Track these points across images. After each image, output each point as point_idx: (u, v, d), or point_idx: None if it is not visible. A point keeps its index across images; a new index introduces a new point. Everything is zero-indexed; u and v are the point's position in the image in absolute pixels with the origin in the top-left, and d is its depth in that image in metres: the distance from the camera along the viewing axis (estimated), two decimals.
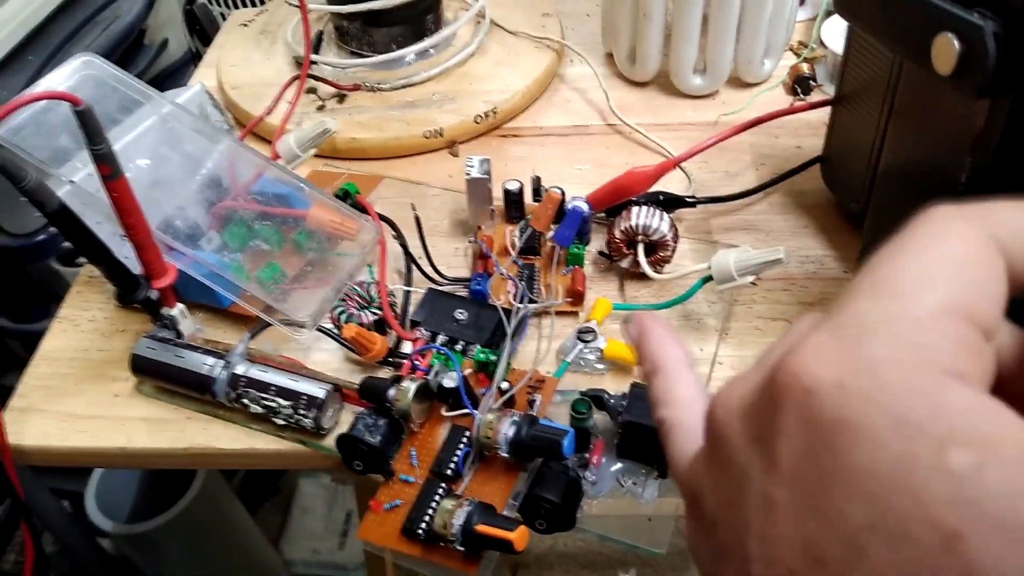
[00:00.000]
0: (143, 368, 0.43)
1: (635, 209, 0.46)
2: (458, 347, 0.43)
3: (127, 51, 0.90)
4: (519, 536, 0.33)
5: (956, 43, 0.30)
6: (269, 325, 0.44)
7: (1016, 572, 0.12)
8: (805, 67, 0.61)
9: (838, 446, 0.15)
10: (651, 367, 0.25)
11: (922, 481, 0.13)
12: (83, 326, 0.49)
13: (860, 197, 0.47)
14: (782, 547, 0.15)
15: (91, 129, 0.36)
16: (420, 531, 0.35)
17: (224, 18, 1.03)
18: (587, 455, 0.38)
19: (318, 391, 0.40)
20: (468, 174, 0.48)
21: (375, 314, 0.45)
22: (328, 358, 0.45)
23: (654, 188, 0.50)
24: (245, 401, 0.41)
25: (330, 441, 0.40)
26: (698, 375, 0.24)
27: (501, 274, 0.46)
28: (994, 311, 0.16)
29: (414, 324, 0.44)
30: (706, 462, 0.19)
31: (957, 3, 0.31)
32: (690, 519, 0.20)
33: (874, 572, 0.14)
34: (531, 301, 0.45)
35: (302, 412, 0.40)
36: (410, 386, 0.38)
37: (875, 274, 0.16)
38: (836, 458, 0.15)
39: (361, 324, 0.44)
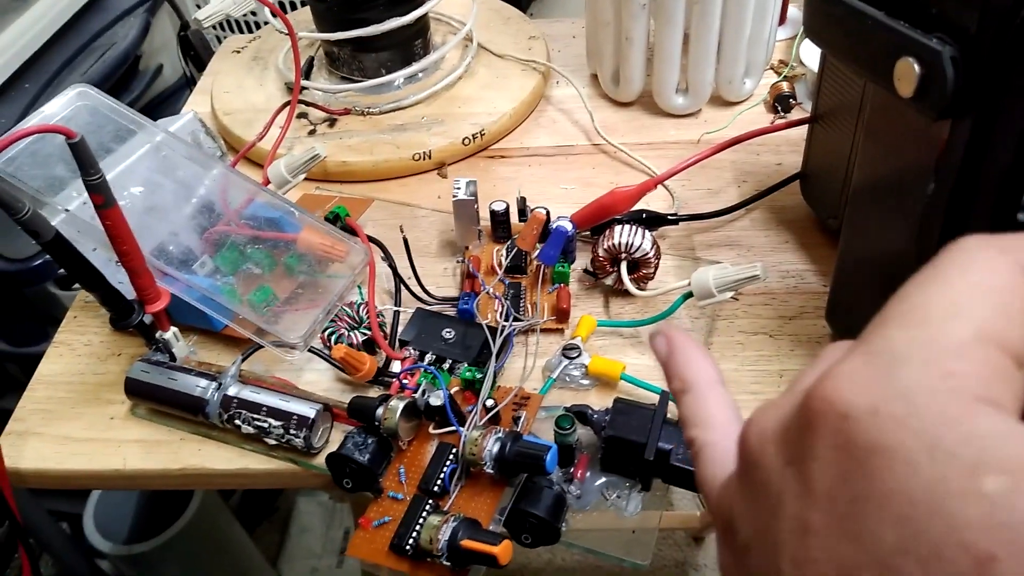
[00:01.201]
0: (138, 391, 0.44)
1: (618, 228, 0.48)
2: (445, 366, 0.44)
3: (123, 77, 0.91)
4: (503, 550, 0.34)
5: (916, 67, 0.32)
6: (261, 347, 0.45)
7: None
8: (785, 86, 0.63)
9: (872, 470, 0.15)
10: (681, 385, 0.24)
11: (955, 505, 0.14)
12: (79, 350, 0.50)
13: (837, 213, 0.48)
14: (816, 569, 0.16)
15: (85, 160, 0.37)
16: (408, 547, 0.36)
17: (218, 42, 1.04)
18: (571, 469, 0.39)
19: (308, 411, 0.41)
20: (455, 195, 0.50)
21: (364, 334, 0.46)
22: (319, 378, 0.46)
23: (637, 206, 0.51)
24: (237, 422, 0.42)
25: (321, 460, 0.41)
26: (730, 395, 0.24)
27: (488, 293, 0.47)
28: None
29: (403, 344, 0.45)
30: (739, 487, 0.19)
31: (917, 29, 0.32)
32: (723, 545, 0.20)
33: None
34: (517, 319, 0.46)
35: (293, 432, 0.41)
36: (398, 405, 0.39)
37: (906, 303, 0.17)
38: (870, 482, 0.15)
39: (351, 344, 0.45)
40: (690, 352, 0.25)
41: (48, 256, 0.77)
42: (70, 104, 0.45)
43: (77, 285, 0.54)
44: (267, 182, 0.53)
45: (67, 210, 0.43)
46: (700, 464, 0.23)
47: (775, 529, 0.17)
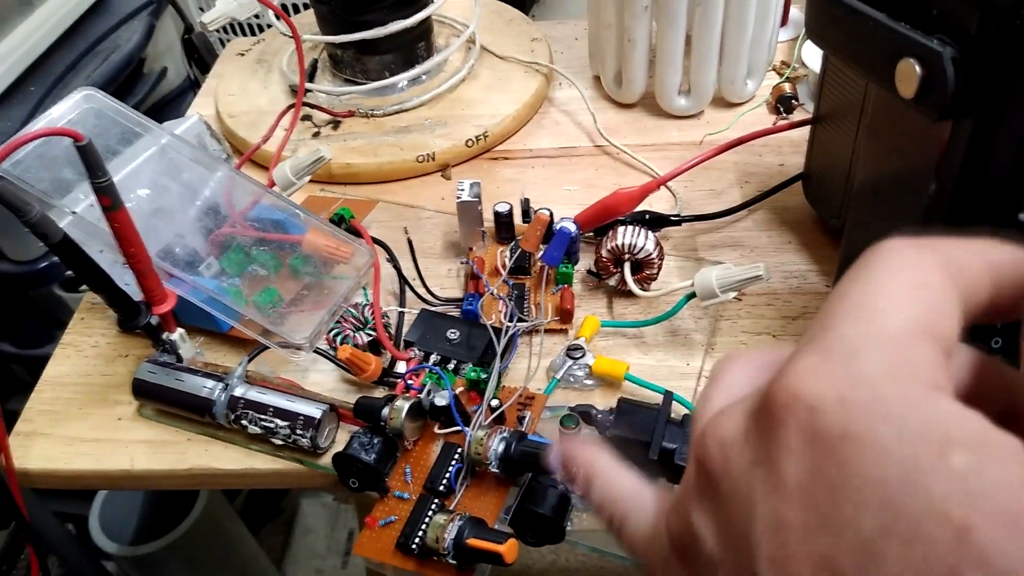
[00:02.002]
0: (145, 392, 0.44)
1: (621, 229, 0.48)
2: (450, 366, 0.44)
3: (127, 80, 0.92)
4: (508, 549, 0.34)
5: (918, 68, 0.32)
6: (267, 348, 0.45)
7: (1022, 554, 0.14)
8: (787, 87, 0.63)
9: (844, 458, 0.15)
10: (584, 478, 0.25)
11: (929, 482, 0.14)
12: (86, 352, 0.50)
13: (839, 213, 0.48)
14: (795, 566, 0.16)
15: (92, 162, 0.37)
16: (414, 546, 0.36)
17: (222, 45, 1.05)
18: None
19: (314, 411, 0.41)
20: (459, 197, 0.50)
21: (370, 335, 0.46)
22: (324, 379, 0.46)
23: (640, 207, 0.51)
24: (244, 422, 0.42)
25: (327, 460, 0.41)
26: (624, 471, 0.25)
27: (492, 294, 0.48)
28: (954, 331, 0.17)
29: (408, 344, 0.45)
30: (701, 504, 0.19)
31: (918, 30, 0.32)
32: (680, 567, 0.20)
33: (892, 575, 0.14)
34: (521, 320, 0.46)
35: (299, 432, 0.41)
36: (403, 405, 0.39)
37: (847, 301, 0.17)
38: (844, 469, 0.15)
39: (356, 345, 0.45)
40: (583, 448, 0.26)
41: (54, 258, 0.78)
42: (76, 107, 0.46)
43: (83, 287, 0.54)
44: (272, 184, 0.53)
45: (74, 212, 0.43)
46: (625, 532, 0.23)
47: (748, 534, 0.17)
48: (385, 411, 0.40)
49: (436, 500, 0.38)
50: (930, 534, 0.14)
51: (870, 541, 0.15)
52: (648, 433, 0.38)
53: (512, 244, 0.50)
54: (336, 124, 0.64)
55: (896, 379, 0.16)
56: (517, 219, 0.51)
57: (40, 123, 0.44)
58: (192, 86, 1.04)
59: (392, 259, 0.51)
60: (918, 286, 0.17)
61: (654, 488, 0.23)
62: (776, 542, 0.16)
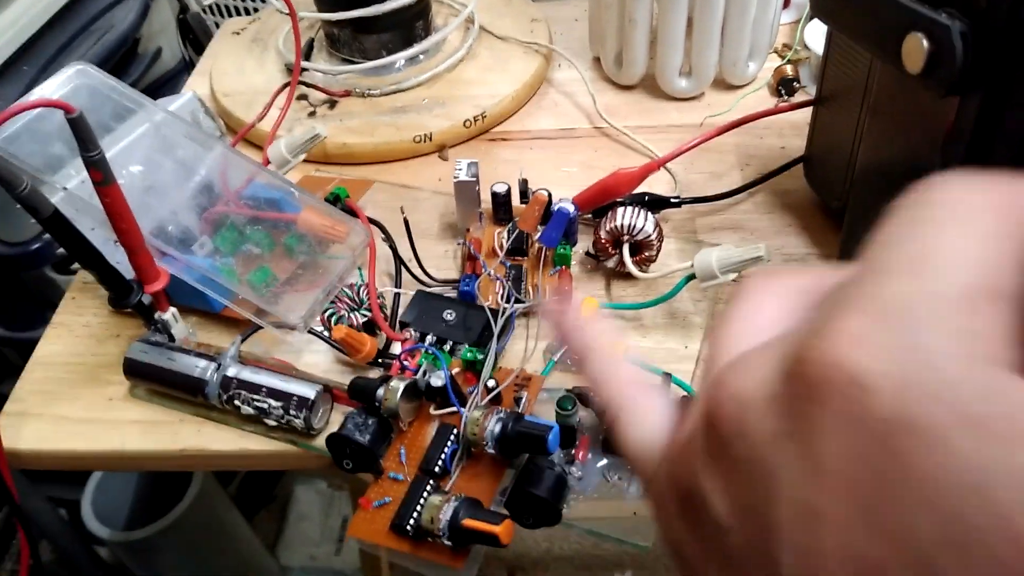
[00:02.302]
0: (136, 371, 0.44)
1: (620, 210, 0.47)
2: (446, 347, 0.43)
3: (121, 60, 0.91)
4: (504, 529, 0.33)
5: (925, 43, 0.31)
6: (260, 328, 0.45)
7: None
8: (789, 69, 0.62)
9: (900, 450, 0.13)
10: (582, 348, 0.23)
11: (999, 490, 0.12)
12: (77, 331, 0.49)
13: (841, 195, 0.48)
14: (828, 563, 0.14)
15: (84, 136, 0.37)
16: (408, 527, 0.36)
17: (217, 27, 1.04)
18: (573, 451, 0.39)
19: (308, 391, 0.41)
20: (456, 177, 0.49)
21: (365, 316, 0.45)
22: (319, 359, 0.45)
23: (640, 189, 0.50)
24: (237, 403, 0.41)
25: (320, 441, 0.41)
26: (658, 391, 0.22)
27: (489, 275, 0.47)
28: (1022, 279, 0.14)
29: (403, 325, 0.45)
30: (708, 459, 0.17)
31: (926, 4, 0.31)
32: (684, 521, 0.18)
33: None
34: (518, 301, 0.46)
35: (293, 412, 0.40)
36: (398, 385, 0.39)
37: (901, 248, 0.14)
38: (898, 463, 0.13)
39: (351, 326, 0.44)
40: (580, 323, 0.24)
41: (46, 240, 0.77)
42: (69, 82, 0.45)
43: (75, 267, 0.54)
44: (267, 162, 0.52)
45: (65, 188, 0.42)
46: (622, 428, 0.20)
47: (767, 512, 0.15)
48: (380, 391, 0.39)
49: (431, 481, 0.37)
50: (993, 550, 0.12)
51: (926, 552, 0.13)
52: None
53: (510, 225, 0.50)
54: (332, 104, 0.63)
55: (962, 355, 0.13)
56: (515, 200, 0.51)
57: (32, 96, 0.43)
58: (187, 67, 1.03)
59: (388, 239, 0.50)
60: (986, 236, 0.14)
61: (659, 391, 0.21)
62: (806, 532, 0.14)
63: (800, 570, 0.14)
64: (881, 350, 0.13)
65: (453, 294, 0.47)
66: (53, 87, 0.45)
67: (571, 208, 0.48)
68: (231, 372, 0.42)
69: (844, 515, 0.13)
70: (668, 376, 0.40)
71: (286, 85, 0.62)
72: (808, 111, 0.51)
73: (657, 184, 0.54)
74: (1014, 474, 0.12)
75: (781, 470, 0.15)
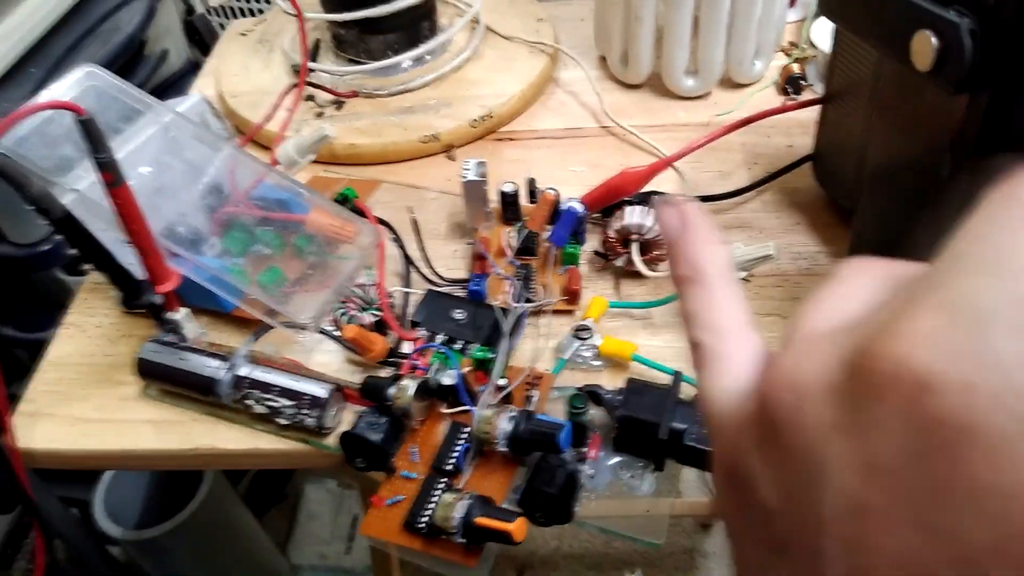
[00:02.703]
0: (149, 371, 0.44)
1: (629, 209, 0.47)
2: (457, 346, 0.44)
3: (127, 62, 0.91)
4: (518, 527, 0.34)
5: (934, 40, 0.31)
6: (271, 328, 0.45)
7: None
8: (796, 67, 0.62)
9: (960, 456, 0.13)
10: (689, 272, 0.20)
11: None
12: (89, 332, 0.50)
13: (850, 194, 0.48)
14: (872, 559, 0.14)
15: (94, 138, 0.37)
16: (421, 525, 0.36)
17: (222, 28, 1.04)
18: (584, 449, 0.39)
19: (320, 391, 0.41)
20: (464, 177, 0.49)
21: (375, 315, 0.45)
22: (330, 359, 0.46)
23: (647, 188, 0.50)
24: (249, 402, 0.42)
25: (332, 440, 0.41)
26: (741, 292, 0.21)
27: (498, 274, 0.47)
28: None
29: (414, 324, 0.45)
30: (760, 441, 0.16)
31: (935, 1, 0.31)
32: (731, 495, 0.18)
33: None
34: (528, 300, 0.46)
35: (305, 412, 0.41)
36: (410, 384, 0.39)
37: (983, 245, 0.14)
38: (957, 469, 0.13)
39: (362, 325, 0.45)
40: (704, 233, 0.21)
41: (56, 241, 0.77)
42: (78, 84, 0.45)
43: (86, 268, 0.54)
44: (275, 163, 0.52)
45: (76, 190, 0.43)
46: (707, 375, 0.19)
47: (815, 502, 0.15)
48: (392, 390, 0.39)
49: (443, 480, 0.38)
50: None
51: (976, 558, 0.12)
52: (658, 413, 0.38)
53: (518, 225, 0.50)
54: (339, 104, 0.64)
55: None
56: (523, 200, 0.51)
57: (42, 98, 0.43)
58: (193, 68, 1.03)
59: (397, 239, 0.51)
60: None
61: (755, 347, 0.19)
62: (854, 526, 0.14)
63: (844, 564, 0.14)
64: (950, 352, 0.13)
65: (462, 293, 0.47)
66: (62, 89, 0.45)
67: (579, 207, 0.48)
68: (243, 372, 0.42)
69: (893, 513, 0.13)
70: (679, 375, 0.40)
71: (293, 86, 0.62)
72: (815, 109, 0.51)
73: (664, 183, 0.54)
74: None
75: (833, 462, 0.14)
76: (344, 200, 0.51)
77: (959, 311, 0.13)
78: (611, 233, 0.47)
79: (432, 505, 0.36)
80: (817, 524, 0.15)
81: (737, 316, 0.20)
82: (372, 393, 0.40)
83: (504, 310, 0.44)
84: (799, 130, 0.59)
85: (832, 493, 0.14)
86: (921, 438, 0.13)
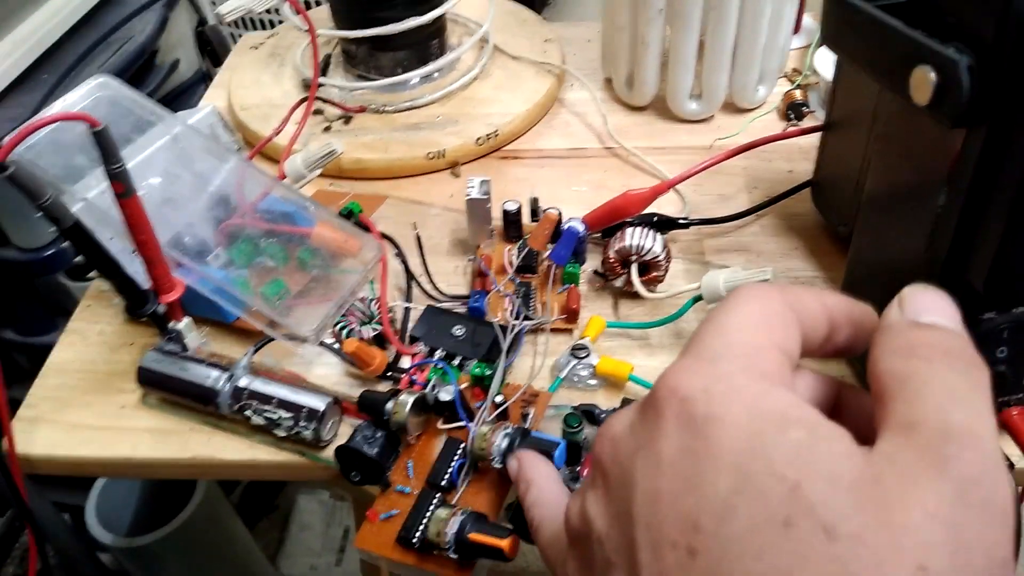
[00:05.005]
0: (149, 380, 0.44)
1: (629, 230, 0.48)
2: (455, 362, 0.44)
3: (139, 71, 0.92)
4: (509, 544, 0.34)
5: (932, 75, 0.32)
6: (272, 340, 0.45)
7: (840, 506, 0.17)
8: (798, 94, 0.63)
9: (708, 434, 0.19)
10: (525, 484, 0.32)
11: (771, 450, 0.18)
12: (92, 339, 0.50)
13: (848, 220, 0.48)
14: (665, 528, 0.19)
15: (107, 149, 0.38)
16: (415, 539, 0.36)
17: (234, 39, 1.05)
18: (579, 468, 0.39)
19: (318, 403, 0.41)
20: (468, 194, 0.50)
21: (375, 329, 0.46)
22: (329, 372, 0.46)
23: (649, 210, 0.51)
24: (247, 413, 0.42)
25: (329, 453, 0.41)
26: (563, 487, 0.32)
27: (498, 292, 0.48)
28: (795, 348, 0.23)
29: (413, 339, 0.45)
30: (593, 494, 0.23)
31: (934, 37, 0.32)
32: (572, 560, 0.24)
33: (742, 524, 0.18)
34: (527, 318, 0.46)
35: (302, 424, 0.41)
36: (407, 399, 0.39)
37: (714, 323, 0.23)
38: (707, 444, 0.19)
39: (362, 339, 0.45)
40: (531, 459, 0.34)
41: (60, 246, 0.78)
42: (91, 94, 0.46)
43: (89, 275, 0.54)
44: (283, 176, 0.53)
45: (86, 199, 0.43)
46: (540, 533, 0.29)
47: (630, 507, 0.20)
48: (389, 405, 0.40)
49: (438, 495, 0.38)
50: (771, 490, 0.18)
51: (725, 499, 0.18)
52: None
53: (520, 243, 0.50)
54: (348, 119, 0.64)
55: (747, 375, 0.21)
56: (525, 218, 0.51)
57: (55, 108, 0.44)
58: (204, 79, 1.04)
59: (400, 254, 0.51)
60: (765, 313, 0.22)
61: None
62: (651, 510, 0.20)
63: (647, 540, 0.19)
64: (697, 375, 0.21)
65: (463, 310, 0.48)
66: (75, 98, 0.45)
67: (581, 227, 0.48)
68: (242, 383, 0.43)
69: (674, 488, 0.19)
70: None
71: (303, 100, 0.63)
72: (816, 136, 0.52)
73: (666, 205, 0.55)
74: (780, 443, 0.19)
75: (636, 472, 0.21)
76: (349, 214, 0.51)
77: (700, 354, 0.22)
78: (611, 253, 0.48)
79: (426, 520, 0.36)
80: (631, 523, 0.20)
81: (556, 495, 0.31)
82: (369, 407, 0.40)
83: (503, 327, 0.45)
84: (800, 156, 0.59)
85: (639, 494, 0.20)
86: (686, 432, 0.20)
